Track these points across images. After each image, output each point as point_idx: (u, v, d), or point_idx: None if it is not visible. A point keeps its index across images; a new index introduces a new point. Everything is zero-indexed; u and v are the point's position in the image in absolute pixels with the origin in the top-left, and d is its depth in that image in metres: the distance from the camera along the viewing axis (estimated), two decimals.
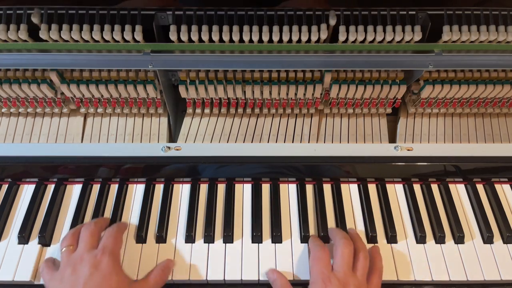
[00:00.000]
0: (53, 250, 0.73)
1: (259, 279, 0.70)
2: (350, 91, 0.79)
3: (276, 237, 0.74)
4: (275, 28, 0.73)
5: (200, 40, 0.74)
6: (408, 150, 0.82)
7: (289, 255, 0.72)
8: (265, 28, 0.73)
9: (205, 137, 0.86)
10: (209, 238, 0.74)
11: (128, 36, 0.73)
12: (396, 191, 0.81)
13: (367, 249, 0.71)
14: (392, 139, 0.88)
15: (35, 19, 0.72)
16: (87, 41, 0.74)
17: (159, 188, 0.81)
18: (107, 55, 0.74)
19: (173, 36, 0.73)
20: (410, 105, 0.87)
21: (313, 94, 0.81)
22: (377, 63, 0.75)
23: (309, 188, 0.81)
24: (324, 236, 0.74)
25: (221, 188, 0.81)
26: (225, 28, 0.73)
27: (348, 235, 0.71)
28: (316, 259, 0.68)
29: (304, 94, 0.81)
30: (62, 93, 0.82)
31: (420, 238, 0.74)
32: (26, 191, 0.80)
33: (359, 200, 0.80)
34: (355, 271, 0.66)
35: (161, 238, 0.74)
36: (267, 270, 0.70)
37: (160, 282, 0.68)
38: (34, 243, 0.74)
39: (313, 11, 0.73)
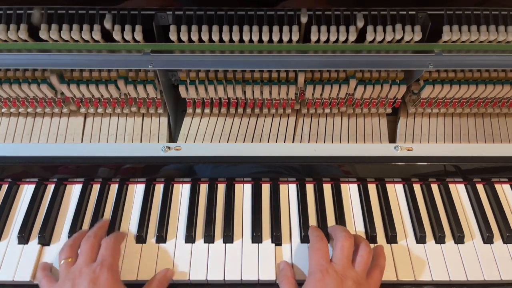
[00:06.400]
0: (53, 250, 0.73)
1: (259, 279, 0.70)
2: (350, 91, 0.80)
3: (276, 237, 0.74)
4: (275, 28, 0.73)
5: (200, 40, 0.74)
6: (408, 150, 0.82)
7: (289, 255, 0.72)
8: (265, 28, 0.73)
9: (205, 137, 0.86)
10: (209, 238, 0.74)
11: (128, 36, 0.73)
12: (396, 191, 0.81)
13: (371, 247, 0.70)
14: (392, 139, 0.88)
15: (36, 19, 0.72)
16: (87, 41, 0.74)
17: (159, 188, 0.81)
18: (107, 55, 0.74)
19: (173, 36, 0.73)
20: (410, 105, 0.87)
21: (313, 95, 0.81)
22: (377, 63, 0.75)
23: (309, 188, 0.81)
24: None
25: (221, 188, 0.81)
26: (225, 28, 0.73)
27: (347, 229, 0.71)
28: (315, 250, 0.68)
29: (304, 94, 0.81)
30: (62, 93, 0.82)
31: (420, 238, 0.74)
32: (26, 191, 0.80)
33: (359, 200, 0.80)
34: (354, 265, 0.66)
35: (161, 238, 0.74)
36: (280, 262, 0.71)
37: None
38: (34, 243, 0.74)
39: (313, 11, 0.73)
